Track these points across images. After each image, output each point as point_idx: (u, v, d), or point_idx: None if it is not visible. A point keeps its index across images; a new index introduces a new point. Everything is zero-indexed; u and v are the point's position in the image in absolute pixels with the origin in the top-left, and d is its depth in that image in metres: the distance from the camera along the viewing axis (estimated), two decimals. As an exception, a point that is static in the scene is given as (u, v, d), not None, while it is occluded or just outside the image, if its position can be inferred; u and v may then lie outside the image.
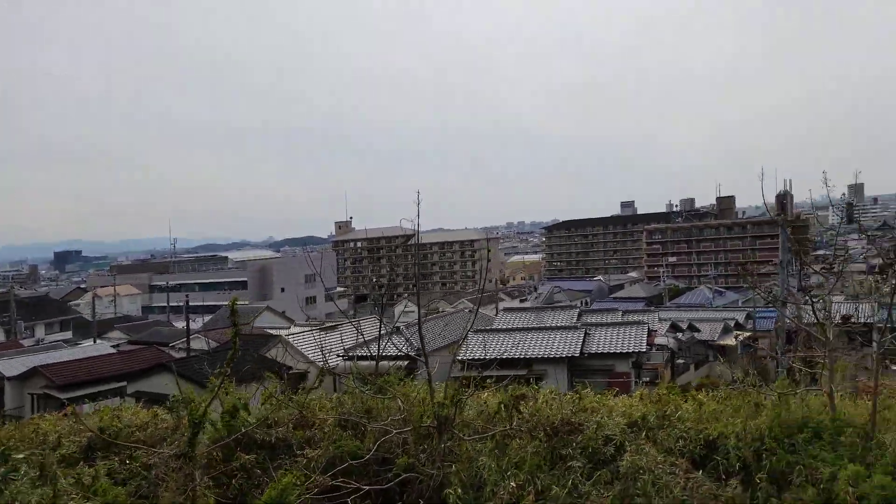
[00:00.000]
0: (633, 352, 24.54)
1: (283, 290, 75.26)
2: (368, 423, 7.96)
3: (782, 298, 22.08)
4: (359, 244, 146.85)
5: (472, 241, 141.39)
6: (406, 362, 13.03)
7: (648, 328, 26.79)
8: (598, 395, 13.74)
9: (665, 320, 35.75)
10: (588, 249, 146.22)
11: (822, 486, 9.95)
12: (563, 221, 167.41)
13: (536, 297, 71.98)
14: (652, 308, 37.34)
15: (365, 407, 8.35)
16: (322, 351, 17.69)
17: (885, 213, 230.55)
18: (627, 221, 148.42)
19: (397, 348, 13.50)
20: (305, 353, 24.64)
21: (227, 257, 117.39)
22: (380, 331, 12.83)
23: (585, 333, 25.39)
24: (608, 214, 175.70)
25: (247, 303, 62.22)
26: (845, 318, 14.60)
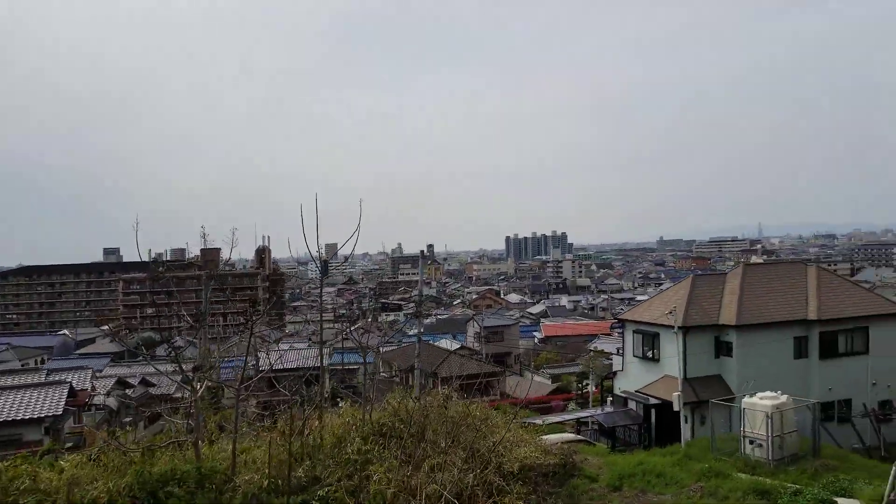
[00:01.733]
0: (46, 416, 21.75)
1: None
2: None
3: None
4: None
5: None
6: None
7: (72, 387, 24.29)
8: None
9: (111, 377, 33.30)
10: (55, 300, 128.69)
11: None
12: (23, 267, 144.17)
13: (-29, 358, 59.27)
14: (87, 365, 34.35)
15: None
16: None
17: (352, 270, 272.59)
18: (105, 270, 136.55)
19: None
20: None
21: None
22: None
23: (-15, 400, 21.42)
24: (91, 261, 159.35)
25: None
26: (196, 369, 15.47)
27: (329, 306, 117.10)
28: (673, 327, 28.19)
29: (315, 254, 16.22)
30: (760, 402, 21.59)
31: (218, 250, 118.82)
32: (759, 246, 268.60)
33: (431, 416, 16.19)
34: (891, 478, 16.80)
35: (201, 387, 13.92)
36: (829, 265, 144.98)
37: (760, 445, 21.07)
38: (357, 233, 16.03)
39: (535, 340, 79.85)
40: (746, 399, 22.37)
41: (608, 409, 31.97)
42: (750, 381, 25.08)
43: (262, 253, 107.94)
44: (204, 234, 16.38)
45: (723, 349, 29.05)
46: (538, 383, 55.33)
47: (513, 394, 47.75)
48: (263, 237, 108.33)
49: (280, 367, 40.52)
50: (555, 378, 56.60)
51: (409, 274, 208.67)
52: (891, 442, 27.72)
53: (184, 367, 14.42)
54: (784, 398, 21.98)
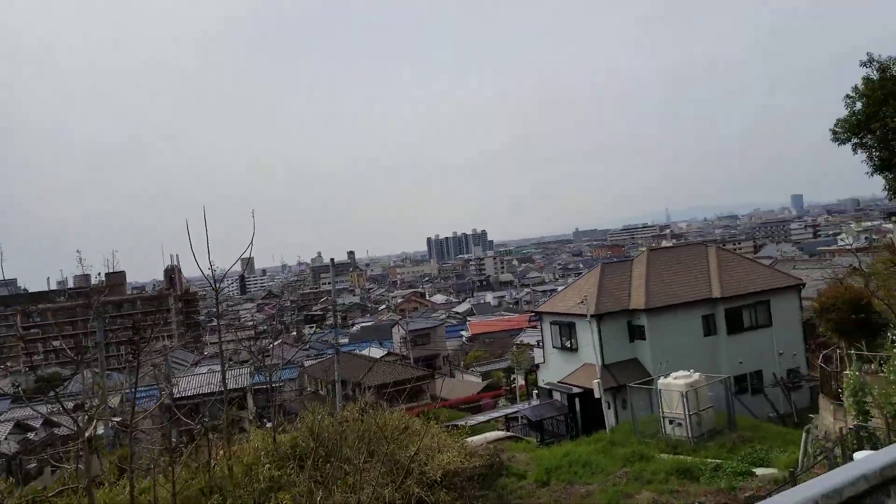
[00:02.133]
0: (-77, 474, 19.65)
1: None
2: None
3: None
4: None
5: None
6: None
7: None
8: None
9: (8, 421, 30.78)
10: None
11: None
12: None
13: None
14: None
15: None
16: None
17: (271, 283, 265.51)
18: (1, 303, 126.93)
19: None
20: None
21: None
22: None
23: None
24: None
25: None
26: (78, 408, 14.39)
27: (249, 322, 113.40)
28: (586, 316, 28.56)
29: (207, 272, 15.28)
30: (675, 382, 22.07)
31: (123, 273, 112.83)
32: (667, 231, 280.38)
33: (347, 432, 15.55)
34: (801, 444, 17.45)
35: (90, 426, 12.79)
36: (735, 244, 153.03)
37: (679, 424, 21.52)
38: (250, 247, 15.20)
39: (464, 339, 79.94)
40: (662, 380, 22.84)
41: (534, 402, 32.12)
42: (664, 362, 25.65)
43: (172, 273, 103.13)
44: (80, 259, 15.13)
45: (636, 333, 29.67)
46: (468, 382, 55.33)
47: (443, 396, 47.47)
48: (171, 256, 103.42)
49: (195, 392, 38.70)
50: (485, 375, 56.67)
51: (330, 283, 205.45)
52: (801, 408, 28.98)
53: (68, 405, 13.17)
54: (697, 376, 22.57)
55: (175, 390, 38.84)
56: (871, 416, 13.32)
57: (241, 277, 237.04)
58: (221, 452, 14.31)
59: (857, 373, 14.11)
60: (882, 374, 13.41)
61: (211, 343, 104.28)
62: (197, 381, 42.29)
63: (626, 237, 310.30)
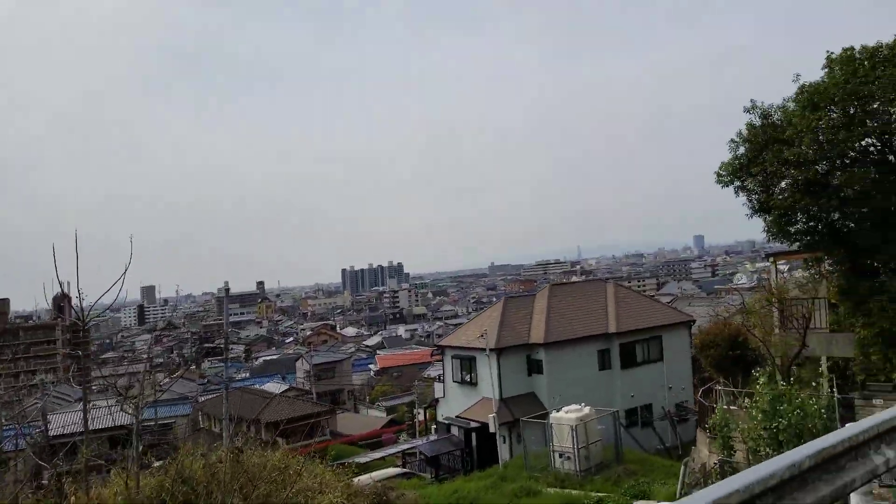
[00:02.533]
0: None
1: None
2: None
3: None
4: None
5: None
6: None
7: None
8: None
9: None
10: None
11: None
12: None
13: None
14: None
15: None
16: None
17: (173, 314, 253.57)
18: None
19: None
20: None
21: None
22: None
23: None
24: None
25: None
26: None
27: (145, 355, 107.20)
28: (486, 350, 28.67)
29: (76, 301, 14.25)
30: (566, 416, 22.33)
31: (7, 301, 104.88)
32: (578, 267, 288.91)
33: (220, 473, 14.69)
34: (680, 476, 17.91)
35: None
36: (640, 281, 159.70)
37: (569, 458, 21.73)
38: (123, 277, 14.27)
39: (371, 373, 78.78)
40: (553, 414, 23.07)
41: (433, 437, 31.72)
42: (557, 396, 25.97)
43: (61, 301, 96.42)
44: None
45: (534, 367, 30.02)
46: (372, 417, 54.34)
47: (345, 431, 46.32)
48: (62, 284, 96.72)
49: (70, 430, 35.89)
50: (390, 410, 55.86)
51: (238, 314, 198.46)
52: (687, 440, 29.86)
53: None
54: (587, 410, 22.93)
55: (48, 427, 35.89)
56: (735, 451, 13.84)
57: (140, 307, 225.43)
58: (73, 499, 13.16)
59: (724, 407, 14.66)
60: (747, 410, 14.00)
61: (98, 378, 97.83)
62: (74, 417, 39.31)
63: (540, 272, 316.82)
